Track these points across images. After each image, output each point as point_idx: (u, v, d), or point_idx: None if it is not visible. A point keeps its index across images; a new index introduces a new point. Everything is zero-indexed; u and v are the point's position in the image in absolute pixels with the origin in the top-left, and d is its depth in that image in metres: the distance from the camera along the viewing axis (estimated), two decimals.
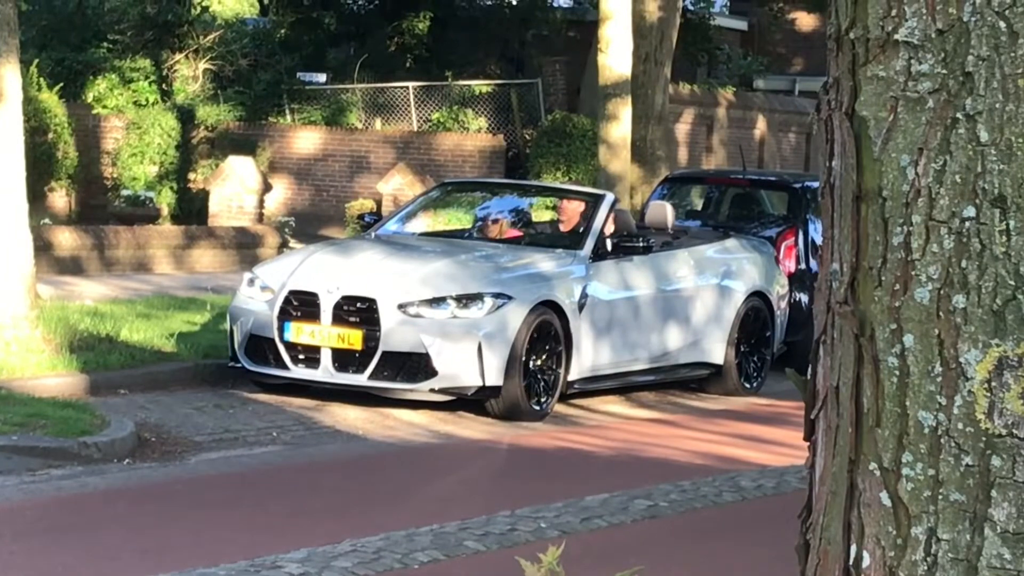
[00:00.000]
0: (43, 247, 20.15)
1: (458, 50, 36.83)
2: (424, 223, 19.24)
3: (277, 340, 14.55)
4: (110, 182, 32.24)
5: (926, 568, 2.71)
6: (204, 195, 30.91)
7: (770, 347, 17.84)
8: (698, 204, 21.53)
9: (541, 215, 20.46)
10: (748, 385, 17.36)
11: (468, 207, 20.20)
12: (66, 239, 24.78)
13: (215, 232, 27.80)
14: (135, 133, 32.29)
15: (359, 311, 14.46)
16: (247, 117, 33.88)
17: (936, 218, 2.74)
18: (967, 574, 2.71)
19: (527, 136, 33.73)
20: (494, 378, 14.39)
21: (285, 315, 14.61)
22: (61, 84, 31.49)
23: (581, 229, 16.69)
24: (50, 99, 29.72)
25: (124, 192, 31.65)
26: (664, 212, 17.72)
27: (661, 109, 28.36)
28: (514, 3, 38.80)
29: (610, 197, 17.33)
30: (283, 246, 27.77)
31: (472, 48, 37.46)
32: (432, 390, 14.49)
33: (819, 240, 19.39)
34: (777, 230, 19.91)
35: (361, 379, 14.39)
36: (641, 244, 16.08)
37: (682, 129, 35.76)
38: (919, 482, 2.75)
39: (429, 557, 9.55)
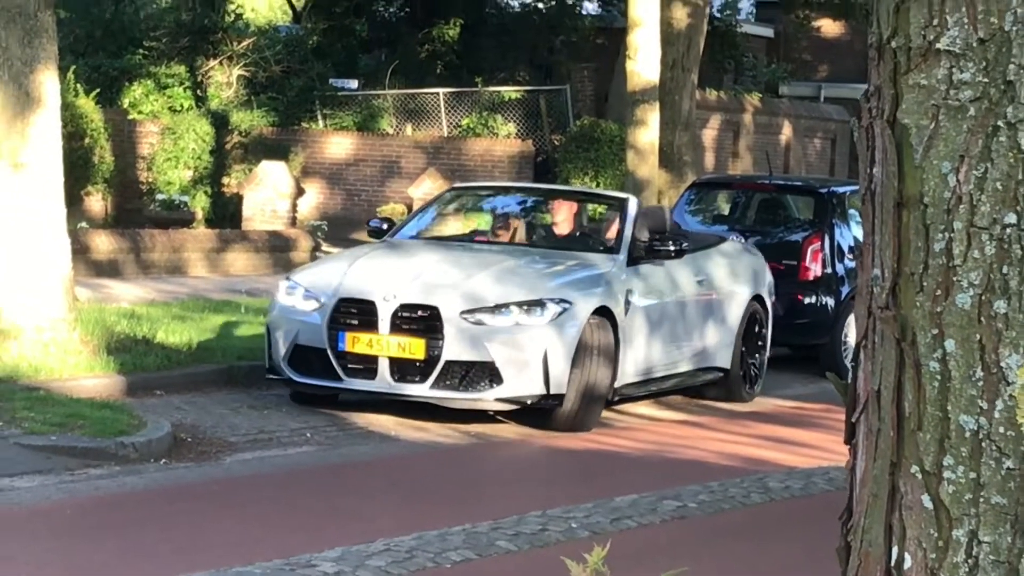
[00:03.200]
0: (80, 250, 20.18)
1: (488, 57, 36.85)
2: (442, 227, 18.03)
3: (328, 351, 13.58)
4: (145, 186, 32.31)
5: (967, 570, 2.71)
6: (238, 199, 30.92)
7: (766, 350, 17.58)
8: (725, 209, 21.52)
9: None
10: (750, 389, 17.19)
11: (482, 211, 18.78)
12: (103, 242, 24.83)
13: (249, 236, 27.83)
14: (170, 138, 32.35)
15: (420, 319, 13.58)
16: (280, 123, 33.92)
17: (977, 224, 2.74)
18: (1007, 575, 2.71)
19: (555, 141, 33.73)
20: (557, 386, 13.68)
21: (337, 324, 13.66)
22: (98, 90, 31.54)
23: (613, 233, 16.02)
24: (87, 105, 29.78)
25: (159, 196, 31.71)
26: (663, 215, 17.35)
27: (688, 115, 28.32)
28: (543, 10, 38.79)
29: (634, 200, 16.83)
30: (316, 249, 27.81)
31: (501, 55, 37.46)
32: (497, 399, 13.70)
33: (845, 245, 19.45)
34: (803, 235, 19.91)
35: (423, 389, 13.59)
36: (673, 248, 15.39)
37: (709, 135, 35.75)
38: (960, 485, 2.75)
39: (461, 556, 9.55)
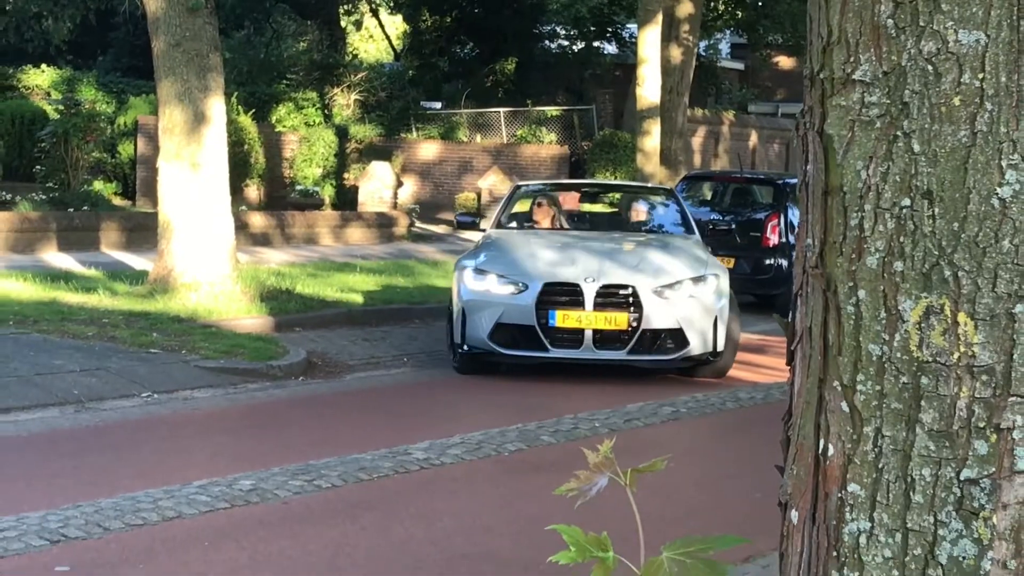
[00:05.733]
0: (240, 227, 20.30)
1: (535, 85, 36.87)
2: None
3: (537, 327, 12.27)
4: (287, 180, 32.42)
5: (874, 456, 2.70)
6: (354, 189, 31.03)
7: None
8: (708, 196, 21.49)
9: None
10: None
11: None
12: (257, 220, 24.96)
13: (363, 216, 27.91)
14: (305, 145, 32.46)
15: (623, 297, 12.33)
16: (385, 133, 34.00)
17: (882, 206, 2.73)
18: (903, 461, 2.69)
19: (584, 147, 33.72)
20: (721, 344, 12.71)
21: (545, 305, 12.27)
22: (253, 110, 31.66)
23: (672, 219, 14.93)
24: (245, 121, 29.91)
25: (298, 187, 31.82)
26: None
27: (681, 127, 28.30)
28: (576, 51, 38.80)
29: (672, 188, 15.60)
30: (411, 226, 27.93)
31: (546, 83, 37.49)
32: (683, 359, 12.61)
33: (796, 221, 19.37)
34: (766, 214, 19.89)
35: (621, 354, 12.37)
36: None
37: (696, 141, 35.69)
38: (869, 395, 2.74)
39: (516, 447, 9.60)
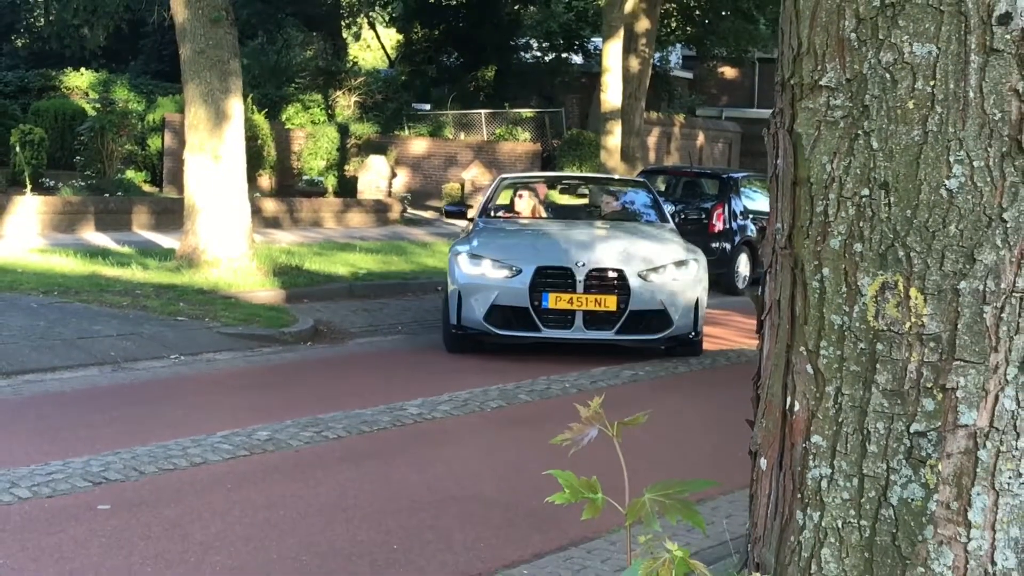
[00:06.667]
0: (255, 211, 20.21)
1: (512, 89, 36.81)
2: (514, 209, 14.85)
3: (531, 308, 11.56)
4: (296, 171, 32.25)
5: (835, 412, 2.71)
6: (354, 180, 30.91)
7: None
8: (662, 187, 21.45)
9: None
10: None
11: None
12: (269, 206, 24.82)
13: (361, 202, 27.79)
14: (311, 141, 32.29)
15: (611, 280, 11.61)
16: (381, 131, 33.87)
17: (844, 195, 2.73)
18: (860, 416, 2.70)
19: (555, 144, 33.67)
20: (700, 326, 12.06)
21: (538, 287, 11.57)
22: (266, 109, 31.48)
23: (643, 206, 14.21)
24: (259, 119, 29.72)
25: (304, 177, 31.66)
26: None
27: (639, 127, 28.25)
28: (547, 61, 38.74)
29: (647, 181, 14.67)
30: (403, 212, 27.85)
31: (521, 88, 37.43)
32: (666, 339, 11.87)
33: (738, 210, 19.19)
34: (712, 203, 19.89)
35: (609, 335, 11.62)
36: (697, 218, 13.57)
37: (651, 140, 35.64)
38: (831, 359, 2.74)
39: (497, 404, 9.59)
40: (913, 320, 2.69)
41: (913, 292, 2.68)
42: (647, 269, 11.78)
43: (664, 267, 11.87)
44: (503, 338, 11.78)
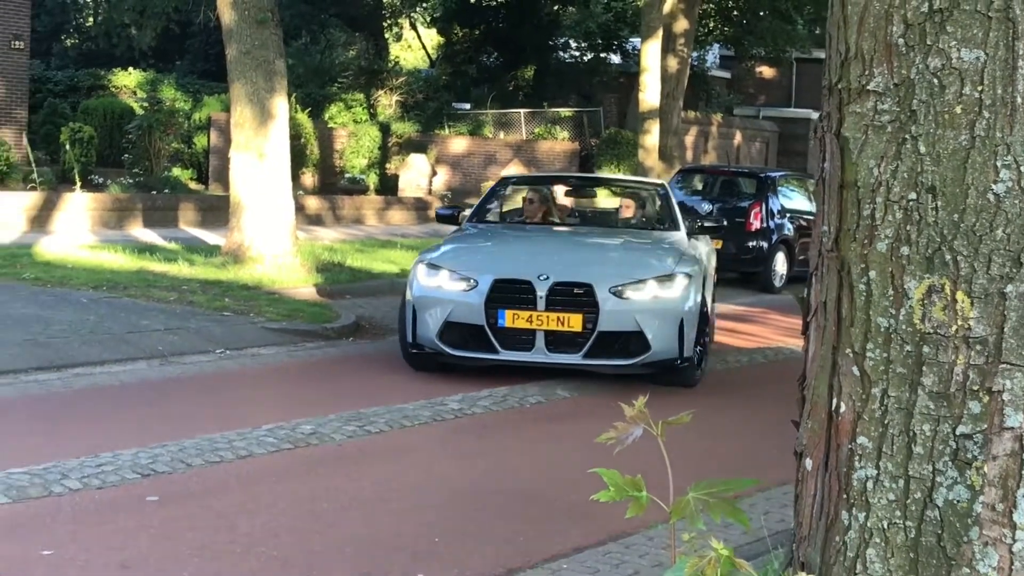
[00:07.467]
0: (298, 208, 20.30)
1: (551, 89, 36.80)
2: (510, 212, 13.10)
3: (486, 326, 9.85)
4: (338, 169, 32.37)
5: (881, 413, 2.70)
6: (395, 178, 31.03)
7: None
8: (699, 187, 21.41)
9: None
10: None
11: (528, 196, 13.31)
12: (312, 203, 24.95)
13: (402, 200, 27.91)
14: (353, 139, 32.39)
15: (576, 296, 9.82)
16: (422, 130, 33.93)
17: (891, 199, 2.72)
18: (906, 418, 2.69)
19: (593, 143, 33.63)
20: (689, 350, 10.00)
21: (494, 303, 9.85)
22: (309, 108, 31.59)
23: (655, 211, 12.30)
24: (303, 118, 29.85)
25: (347, 175, 31.79)
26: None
27: (676, 127, 28.20)
28: (586, 60, 38.72)
29: (666, 184, 12.87)
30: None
31: (560, 88, 37.41)
32: (643, 364, 9.91)
33: (775, 209, 19.12)
34: (749, 202, 19.87)
35: (576, 358, 9.84)
36: (716, 224, 11.73)
37: (689, 139, 35.57)
38: (877, 361, 2.73)
39: (536, 400, 9.59)
40: (960, 323, 2.68)
41: (960, 295, 2.67)
42: (622, 284, 9.95)
43: (644, 282, 10.02)
44: (457, 359, 10.11)
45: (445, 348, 10.03)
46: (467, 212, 12.46)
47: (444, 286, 10.09)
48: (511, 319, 9.84)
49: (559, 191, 12.94)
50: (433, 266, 10.25)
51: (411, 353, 10.35)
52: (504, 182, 13.13)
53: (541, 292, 9.80)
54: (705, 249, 12.11)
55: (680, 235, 11.39)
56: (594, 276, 9.92)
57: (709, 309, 10.70)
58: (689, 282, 10.15)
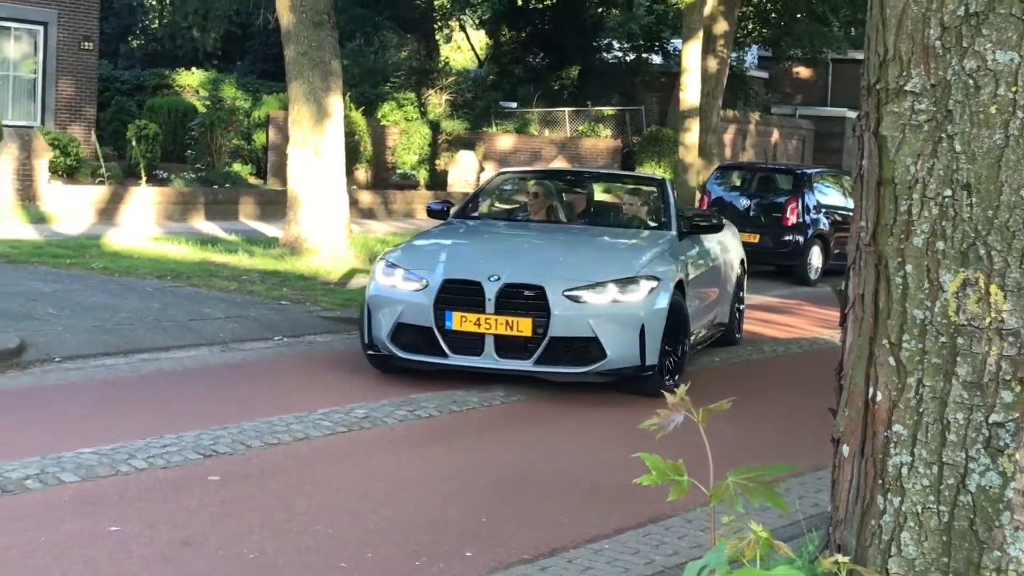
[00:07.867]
0: (352, 202, 20.38)
1: (595, 88, 36.70)
2: (501, 208, 12.20)
3: (435, 329, 9.04)
4: (390, 165, 32.45)
5: (916, 402, 2.69)
6: (444, 173, 31.07)
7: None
8: (738, 183, 21.31)
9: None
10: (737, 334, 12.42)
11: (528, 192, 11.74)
12: (365, 198, 25.03)
13: (452, 195, 27.90)
14: (405, 136, 32.47)
15: (527, 299, 8.94)
16: (471, 128, 33.95)
17: (927, 196, 2.70)
18: (940, 406, 2.68)
19: (635, 141, 33.52)
20: (652, 358, 9.01)
21: (443, 304, 9.05)
22: (363, 107, 31.68)
23: (654, 209, 11.30)
24: (357, 116, 29.92)
25: (398, 171, 31.87)
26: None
27: (716, 125, 28.07)
28: (628, 61, 38.60)
29: (668, 180, 11.62)
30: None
31: (603, 87, 37.31)
32: (599, 373, 9.00)
33: (811, 204, 19.02)
34: (786, 197, 19.77)
35: (527, 365, 8.96)
36: (714, 223, 10.72)
37: (727, 137, 35.37)
38: (913, 351, 2.72)
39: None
40: (993, 316, 2.66)
41: (993, 289, 2.65)
42: (578, 287, 9.02)
43: (603, 285, 9.07)
44: (407, 363, 9.31)
45: (395, 350, 9.29)
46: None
47: (398, 285, 9.36)
48: (459, 322, 9.05)
49: (568, 187, 12.07)
50: (391, 264, 9.53)
51: (368, 355, 9.61)
52: (500, 176, 12.39)
53: (490, 294, 8.98)
54: (734, 243, 11.79)
55: (670, 234, 10.40)
56: (547, 278, 9.04)
57: (690, 312, 9.80)
58: (657, 285, 9.18)
